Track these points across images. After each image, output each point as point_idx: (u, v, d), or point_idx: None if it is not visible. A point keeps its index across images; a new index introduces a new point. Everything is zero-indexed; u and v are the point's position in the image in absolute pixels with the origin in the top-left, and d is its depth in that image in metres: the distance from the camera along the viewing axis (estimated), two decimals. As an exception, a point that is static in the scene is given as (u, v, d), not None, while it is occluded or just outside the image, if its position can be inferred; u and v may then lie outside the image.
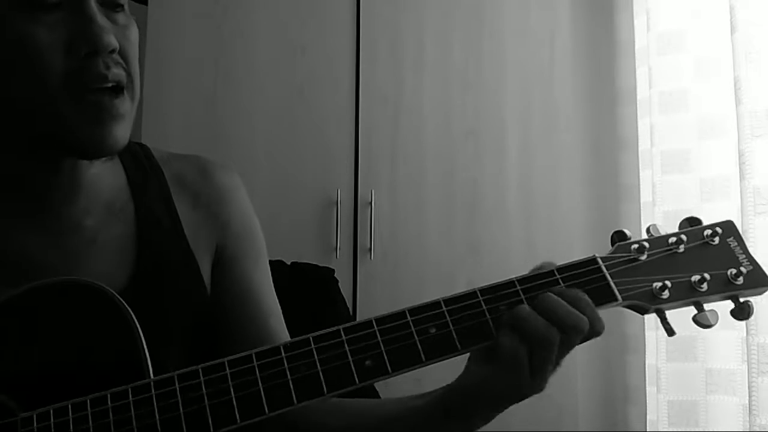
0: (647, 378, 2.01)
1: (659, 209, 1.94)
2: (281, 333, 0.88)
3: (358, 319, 0.67)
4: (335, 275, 1.38)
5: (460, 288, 0.69)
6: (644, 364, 2.02)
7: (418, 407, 0.74)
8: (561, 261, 0.71)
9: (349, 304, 1.71)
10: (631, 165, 2.20)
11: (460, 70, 1.96)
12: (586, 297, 0.67)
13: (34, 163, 0.76)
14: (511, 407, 0.70)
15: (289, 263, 1.35)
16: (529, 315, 0.66)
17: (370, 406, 0.81)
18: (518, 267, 0.73)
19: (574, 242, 1.92)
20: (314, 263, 1.42)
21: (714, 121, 1.88)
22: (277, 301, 0.91)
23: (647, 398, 2.01)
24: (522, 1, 2.01)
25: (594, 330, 0.67)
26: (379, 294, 1.83)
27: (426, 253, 1.87)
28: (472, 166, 1.93)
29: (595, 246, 0.77)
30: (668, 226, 0.76)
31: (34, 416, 0.61)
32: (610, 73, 2.29)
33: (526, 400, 0.69)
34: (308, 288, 1.31)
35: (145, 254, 0.81)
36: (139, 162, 0.87)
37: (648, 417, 2.00)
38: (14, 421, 0.61)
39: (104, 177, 0.82)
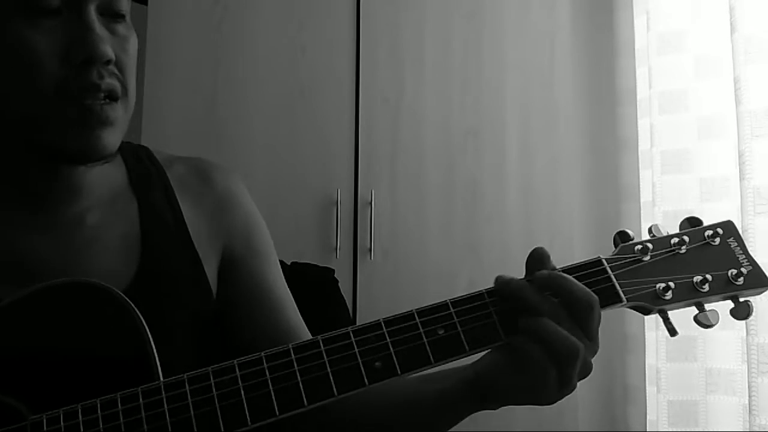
0: (647, 378, 2.00)
1: (659, 209, 1.94)
2: (299, 324, 0.88)
3: (358, 319, 0.67)
4: (335, 275, 1.38)
5: (461, 288, 0.69)
6: (644, 364, 2.02)
7: (446, 390, 0.71)
8: (561, 261, 0.71)
9: (349, 304, 1.70)
10: (631, 165, 2.20)
11: (460, 70, 1.96)
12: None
13: (32, 164, 0.76)
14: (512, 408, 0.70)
15: (289, 263, 1.35)
16: (556, 332, 0.65)
17: (376, 393, 0.74)
18: (518, 266, 0.73)
19: (574, 242, 1.92)
20: (314, 263, 1.42)
21: (714, 121, 1.88)
22: (290, 293, 0.91)
23: (647, 398, 2.00)
24: (522, 1, 2.01)
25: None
26: (379, 294, 1.83)
27: (426, 253, 1.87)
28: (472, 165, 1.93)
29: (595, 245, 0.77)
30: (668, 226, 0.76)
31: (44, 419, 0.60)
32: (610, 73, 2.29)
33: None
34: (308, 288, 1.30)
35: (149, 253, 0.81)
36: (141, 163, 0.88)
37: (648, 417, 2.00)
38: (24, 425, 0.61)
39: (106, 177, 0.82)
